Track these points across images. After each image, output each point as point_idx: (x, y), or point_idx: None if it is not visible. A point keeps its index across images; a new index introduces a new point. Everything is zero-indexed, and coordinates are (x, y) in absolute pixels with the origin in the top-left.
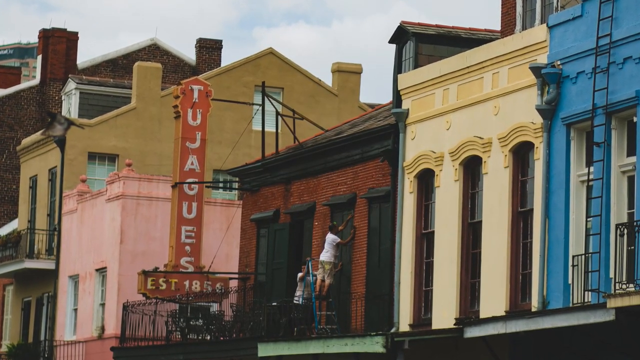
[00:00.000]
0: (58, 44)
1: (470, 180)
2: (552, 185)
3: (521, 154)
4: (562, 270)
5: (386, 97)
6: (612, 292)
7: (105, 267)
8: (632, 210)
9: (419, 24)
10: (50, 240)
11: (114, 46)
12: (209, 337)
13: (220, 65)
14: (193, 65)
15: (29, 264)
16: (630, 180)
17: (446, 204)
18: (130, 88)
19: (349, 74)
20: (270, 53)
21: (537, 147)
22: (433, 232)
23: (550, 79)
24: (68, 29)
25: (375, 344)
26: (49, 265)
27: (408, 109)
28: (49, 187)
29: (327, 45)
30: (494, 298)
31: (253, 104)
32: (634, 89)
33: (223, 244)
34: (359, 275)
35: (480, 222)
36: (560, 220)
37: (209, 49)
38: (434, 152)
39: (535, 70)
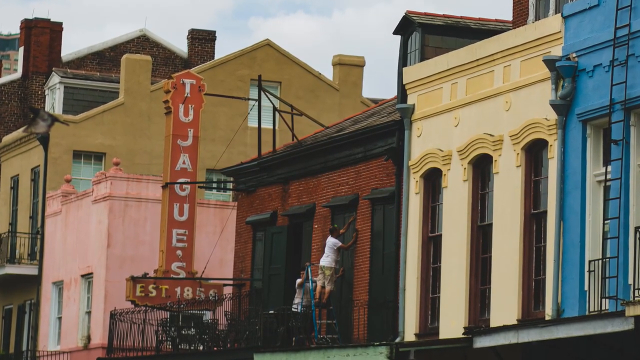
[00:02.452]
0: (41, 35)
1: (480, 180)
2: (567, 186)
3: (534, 152)
4: (578, 276)
5: (390, 92)
6: (631, 299)
7: (91, 273)
8: None
9: (426, 14)
10: (32, 244)
11: (100, 37)
12: (201, 347)
13: (213, 58)
14: (185, 58)
15: (10, 269)
16: None
17: (454, 206)
18: (118, 82)
19: (350, 67)
20: (267, 45)
21: (551, 145)
22: (440, 236)
23: (565, 72)
24: (52, 19)
25: (378, 355)
26: (31, 270)
27: (414, 105)
28: (32, 187)
29: (327, 36)
30: (505, 306)
31: (249, 99)
32: None
33: (217, 248)
34: (362, 282)
35: (491, 224)
36: (575, 222)
37: (202, 40)
38: (442, 150)
39: (549, 63)
